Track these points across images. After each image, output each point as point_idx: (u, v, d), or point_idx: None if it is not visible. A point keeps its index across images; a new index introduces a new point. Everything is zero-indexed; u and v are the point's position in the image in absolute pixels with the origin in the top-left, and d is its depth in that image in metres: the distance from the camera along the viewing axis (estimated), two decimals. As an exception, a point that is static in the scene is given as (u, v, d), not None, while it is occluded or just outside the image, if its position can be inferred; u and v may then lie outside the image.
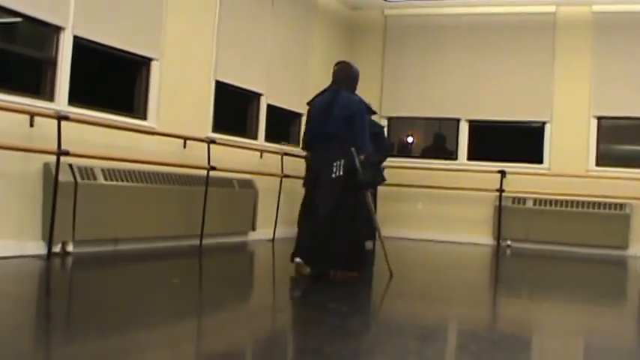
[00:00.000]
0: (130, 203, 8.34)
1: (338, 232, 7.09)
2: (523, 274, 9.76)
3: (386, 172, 13.22)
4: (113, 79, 9.36)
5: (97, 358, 3.74)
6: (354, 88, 7.57)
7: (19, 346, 3.87)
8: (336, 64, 7.66)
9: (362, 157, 7.21)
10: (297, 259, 7.16)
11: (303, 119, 9.43)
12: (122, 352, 3.89)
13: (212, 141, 9.72)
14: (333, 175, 7.11)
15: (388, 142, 11.53)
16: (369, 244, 9.80)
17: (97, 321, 4.65)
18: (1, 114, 6.89)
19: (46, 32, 7.72)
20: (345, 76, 7.51)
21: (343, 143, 7.17)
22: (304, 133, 7.67)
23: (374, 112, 8.07)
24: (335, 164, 7.12)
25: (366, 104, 7.56)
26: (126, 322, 4.67)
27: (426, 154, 14.52)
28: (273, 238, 11.07)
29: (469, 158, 13.75)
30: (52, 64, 7.73)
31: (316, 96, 7.60)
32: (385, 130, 11.48)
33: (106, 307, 5.19)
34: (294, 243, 7.33)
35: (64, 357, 3.75)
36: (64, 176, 7.50)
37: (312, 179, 7.33)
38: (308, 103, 7.71)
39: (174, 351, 4.11)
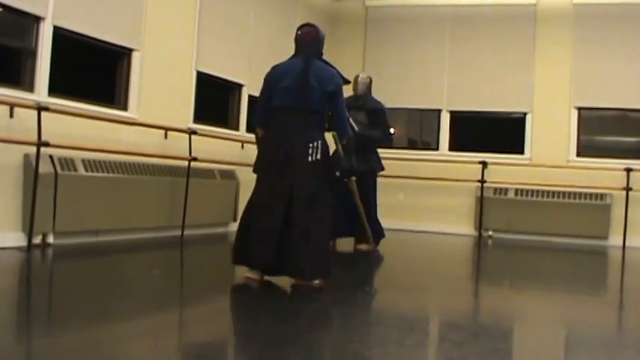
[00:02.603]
0: (110, 194, 8.31)
1: (313, 231, 5.94)
2: (504, 265, 9.80)
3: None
4: (94, 70, 9.33)
5: (77, 350, 3.73)
6: (322, 54, 6.36)
7: None
8: (300, 28, 6.37)
9: (344, 141, 6.44)
10: (252, 274, 6.10)
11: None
12: (103, 343, 3.89)
13: (193, 132, 9.71)
14: (310, 159, 6.00)
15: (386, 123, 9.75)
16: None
17: (78, 313, 4.64)
18: (-19, 105, 6.88)
19: (26, 22, 7.68)
20: (314, 40, 6.28)
21: (322, 122, 6.22)
22: (261, 107, 6.36)
23: (347, 82, 6.73)
24: (311, 146, 6.02)
25: (341, 75, 6.40)
26: (107, 314, 4.66)
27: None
28: (255, 229, 11.04)
29: (450, 149, 13.79)
30: (32, 54, 7.69)
31: (277, 65, 6.39)
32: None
33: (87, 299, 5.18)
34: (240, 244, 6.19)
35: (44, 349, 3.75)
36: (45, 167, 7.48)
37: (280, 163, 6.04)
38: (267, 76, 6.38)
39: (155, 342, 4.11)
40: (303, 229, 5.91)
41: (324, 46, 6.43)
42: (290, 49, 6.42)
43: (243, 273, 6.16)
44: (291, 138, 6.03)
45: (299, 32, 6.34)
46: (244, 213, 6.24)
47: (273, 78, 6.25)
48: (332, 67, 6.31)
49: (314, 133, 6.07)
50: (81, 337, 4.00)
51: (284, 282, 6.07)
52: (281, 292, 5.92)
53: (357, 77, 9.58)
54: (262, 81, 6.35)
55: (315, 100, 6.07)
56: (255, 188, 6.24)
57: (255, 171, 6.31)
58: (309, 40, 6.28)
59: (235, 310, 5.25)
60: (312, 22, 6.54)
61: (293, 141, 6.02)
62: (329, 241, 6.26)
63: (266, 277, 6.10)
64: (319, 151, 6.02)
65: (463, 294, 6.73)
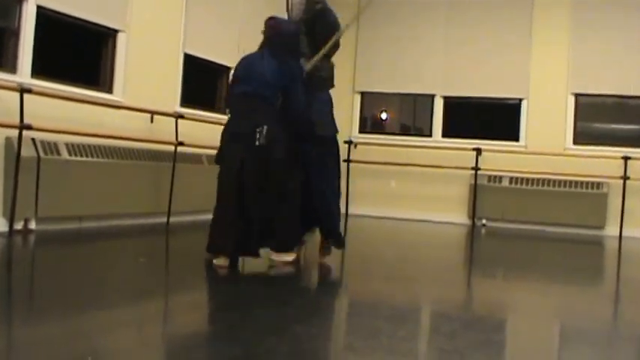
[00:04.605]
0: (95, 179, 8.30)
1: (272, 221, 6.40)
2: (498, 254, 9.83)
3: (359, 149, 13.26)
4: (78, 52, 9.29)
5: (60, 338, 3.74)
6: (289, 51, 6.64)
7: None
8: (268, 20, 6.75)
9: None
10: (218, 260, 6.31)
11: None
12: (86, 332, 3.89)
13: (180, 116, 9.69)
14: (257, 143, 6.19)
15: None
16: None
17: (61, 301, 4.64)
18: (-39, 86, 6.85)
19: (8, 2, 7.65)
20: (276, 34, 6.62)
21: (269, 109, 6.36)
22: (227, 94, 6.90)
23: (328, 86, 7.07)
24: (258, 130, 6.20)
25: (301, 70, 6.67)
26: (90, 302, 4.67)
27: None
28: (243, 216, 11.02)
29: (444, 135, 13.78)
30: (15, 34, 7.66)
31: (245, 57, 6.79)
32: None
33: (70, 287, 5.18)
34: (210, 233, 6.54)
35: (25, 338, 3.74)
36: (27, 151, 7.46)
37: (238, 149, 6.29)
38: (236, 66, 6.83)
39: (139, 331, 4.12)
40: (258, 220, 6.30)
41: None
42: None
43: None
44: (240, 122, 6.35)
45: (266, 24, 6.72)
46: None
47: (239, 68, 6.69)
48: (292, 65, 6.57)
49: (262, 118, 6.25)
50: (63, 325, 4.00)
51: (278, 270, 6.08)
52: (270, 282, 5.93)
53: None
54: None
55: (261, 88, 6.36)
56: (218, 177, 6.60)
57: (216, 162, 6.67)
58: (272, 34, 6.62)
59: (222, 299, 5.25)
60: (277, 16, 6.87)
61: (242, 125, 6.31)
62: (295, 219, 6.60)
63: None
64: (264, 135, 6.19)
65: (456, 284, 6.75)
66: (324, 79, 7.00)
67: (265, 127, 6.19)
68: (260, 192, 6.28)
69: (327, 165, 7.04)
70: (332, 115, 7.22)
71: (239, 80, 6.53)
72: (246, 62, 6.62)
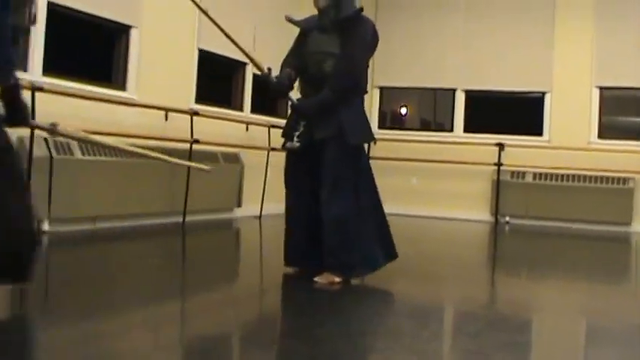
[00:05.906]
0: (108, 179, 8.31)
1: None
2: (522, 252, 9.79)
3: (378, 145, 13.24)
4: (90, 48, 9.31)
5: (74, 342, 3.74)
6: None
7: (-6, 329, 3.87)
8: None
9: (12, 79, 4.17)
10: None
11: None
12: (101, 335, 3.89)
13: (195, 113, 9.69)
14: None
15: None
16: None
17: (75, 304, 4.64)
18: (-28, 85, 6.85)
19: (19, -2, 7.68)
20: None
21: None
22: None
23: None
24: None
25: None
26: (105, 305, 4.67)
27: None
28: (260, 214, 11.07)
29: (465, 130, 13.75)
30: (26, 32, 7.68)
31: None
32: None
33: (84, 289, 5.18)
34: None
35: (40, 341, 3.75)
36: (39, 151, 7.47)
37: None
38: None
39: (156, 334, 4.12)
40: None
41: None
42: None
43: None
44: None
45: None
46: None
47: None
48: None
49: None
50: (78, 329, 4.01)
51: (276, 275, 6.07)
52: (289, 283, 5.92)
53: None
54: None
55: None
56: None
57: None
58: None
59: (241, 302, 5.24)
60: None
61: None
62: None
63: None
64: None
65: (479, 283, 6.74)
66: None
67: None
68: None
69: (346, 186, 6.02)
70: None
71: None
72: None
